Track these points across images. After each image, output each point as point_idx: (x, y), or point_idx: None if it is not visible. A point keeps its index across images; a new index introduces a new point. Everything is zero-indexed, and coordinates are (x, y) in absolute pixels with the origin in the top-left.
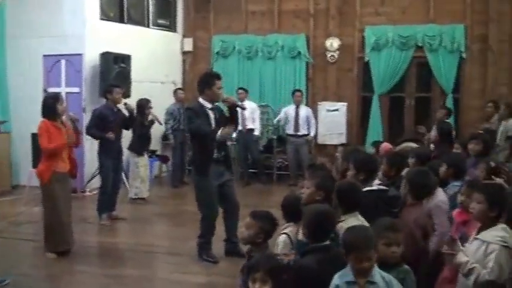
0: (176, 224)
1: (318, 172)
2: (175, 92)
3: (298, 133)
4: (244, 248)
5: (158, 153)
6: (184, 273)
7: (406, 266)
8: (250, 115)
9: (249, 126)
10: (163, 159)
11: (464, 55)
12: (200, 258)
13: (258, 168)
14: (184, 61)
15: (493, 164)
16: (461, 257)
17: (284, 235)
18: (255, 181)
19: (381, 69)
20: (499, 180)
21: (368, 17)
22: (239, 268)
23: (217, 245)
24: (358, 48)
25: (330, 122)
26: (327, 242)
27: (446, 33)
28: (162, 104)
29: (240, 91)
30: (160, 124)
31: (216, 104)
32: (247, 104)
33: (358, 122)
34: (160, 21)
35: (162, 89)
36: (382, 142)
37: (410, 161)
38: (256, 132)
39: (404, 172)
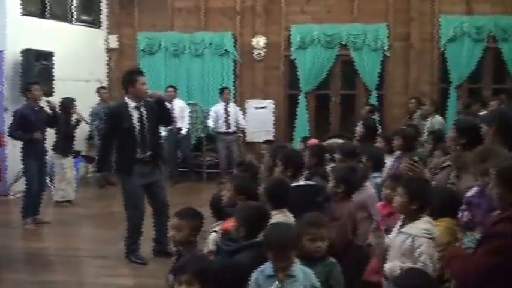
0: (103, 226)
1: (239, 174)
2: (98, 91)
3: (230, 130)
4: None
5: (83, 153)
6: (112, 276)
7: (331, 259)
8: (180, 113)
9: (179, 124)
10: (89, 159)
11: (387, 53)
12: (128, 260)
13: (189, 167)
14: (109, 58)
15: (415, 158)
16: (389, 266)
17: (214, 233)
18: (184, 180)
19: (307, 67)
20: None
21: (294, 16)
22: (169, 269)
23: (146, 246)
24: (284, 46)
25: (258, 120)
26: (259, 239)
27: (370, 32)
28: (87, 103)
29: (170, 89)
30: (87, 123)
31: (148, 100)
32: (177, 102)
33: (286, 119)
34: (84, 17)
35: (86, 87)
36: (310, 138)
37: (336, 156)
38: (183, 131)
39: (330, 167)
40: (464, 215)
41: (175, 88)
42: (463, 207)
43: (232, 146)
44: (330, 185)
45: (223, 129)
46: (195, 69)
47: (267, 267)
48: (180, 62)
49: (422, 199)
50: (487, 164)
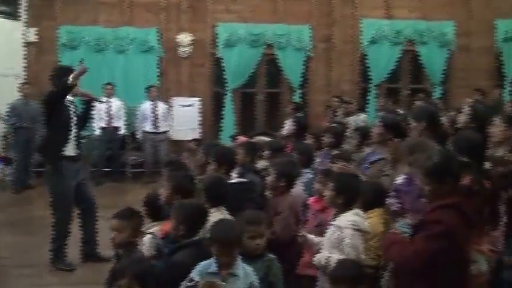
0: (25, 232)
1: (175, 173)
2: (20, 86)
3: (157, 130)
4: (104, 251)
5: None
6: (38, 286)
7: (270, 255)
8: (117, 112)
9: (115, 124)
10: (5, 160)
11: (310, 53)
12: (54, 267)
13: (114, 167)
14: (28, 52)
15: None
16: (317, 256)
17: (149, 235)
18: (108, 180)
19: (233, 65)
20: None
21: (220, 14)
22: (99, 274)
23: (73, 250)
24: (210, 44)
25: (184, 117)
26: (198, 237)
27: (294, 32)
28: (3, 99)
29: (108, 86)
30: (3, 121)
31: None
32: (115, 100)
33: (212, 117)
34: (1, 8)
35: (2, 82)
36: (239, 136)
37: (265, 153)
38: (122, 131)
39: (261, 164)
40: (392, 203)
41: (113, 86)
42: (392, 194)
43: (160, 145)
44: (270, 179)
45: (149, 128)
46: (119, 66)
47: (211, 264)
48: (103, 58)
49: (349, 193)
50: (416, 155)
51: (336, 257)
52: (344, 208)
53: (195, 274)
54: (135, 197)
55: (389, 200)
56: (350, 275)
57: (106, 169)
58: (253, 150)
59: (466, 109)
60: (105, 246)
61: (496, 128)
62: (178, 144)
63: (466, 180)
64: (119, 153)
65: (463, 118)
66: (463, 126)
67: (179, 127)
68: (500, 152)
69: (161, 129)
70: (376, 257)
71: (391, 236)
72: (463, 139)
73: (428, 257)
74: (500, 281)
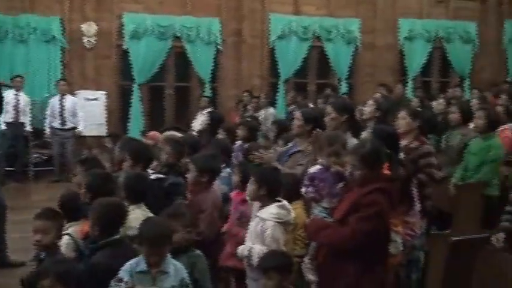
0: None
1: (89, 171)
2: None
3: (65, 127)
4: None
5: None
6: None
7: (196, 251)
8: (24, 107)
9: (21, 119)
10: None
11: (220, 47)
12: None
13: (18, 165)
14: None
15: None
16: (240, 248)
17: (66, 236)
18: (9, 180)
19: (140, 58)
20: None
21: (126, 4)
22: (6, 281)
23: None
24: (116, 35)
25: (89, 112)
26: (118, 236)
27: (203, 25)
28: None
29: (18, 79)
30: None
31: None
32: (23, 94)
33: (119, 111)
34: None
35: None
36: (149, 131)
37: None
38: (28, 127)
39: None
40: (309, 190)
41: (23, 78)
42: (306, 182)
43: (67, 142)
44: (192, 175)
45: (57, 124)
46: (19, 56)
47: (140, 263)
48: (1, 48)
49: (270, 185)
50: (334, 146)
51: (258, 248)
52: (267, 200)
53: (123, 274)
54: (40, 197)
55: (304, 189)
56: (280, 265)
57: (8, 168)
58: (180, 148)
59: (370, 102)
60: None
61: (402, 120)
62: (83, 141)
63: (385, 168)
64: (24, 151)
65: (367, 109)
66: (369, 117)
67: (85, 122)
68: (405, 141)
69: (69, 126)
70: (305, 246)
71: (317, 221)
72: (382, 131)
73: (363, 237)
74: (408, 260)
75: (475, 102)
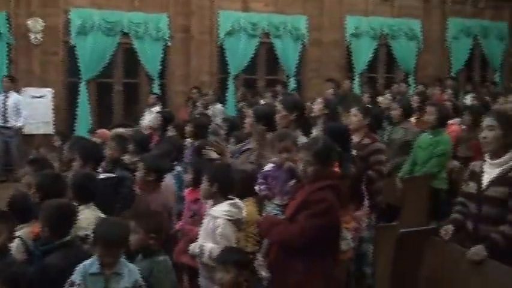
0: None
1: (39, 172)
2: None
3: (7, 124)
4: None
5: None
6: None
7: (160, 257)
8: (15, 109)
9: (12, 122)
10: None
11: (168, 43)
12: None
13: None
14: None
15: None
16: (192, 245)
17: (17, 239)
18: None
19: (88, 54)
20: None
21: None
22: None
23: None
24: (63, 31)
25: (36, 110)
26: (69, 237)
27: (151, 21)
28: None
29: (5, 79)
30: None
31: None
32: (13, 95)
33: (66, 109)
34: None
35: None
36: (97, 129)
37: (130, 147)
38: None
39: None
40: (262, 188)
41: (12, 78)
42: (260, 181)
43: (11, 141)
44: (139, 174)
45: (0, 122)
46: None
47: (93, 264)
48: None
49: (221, 182)
50: (285, 143)
51: (209, 245)
52: (219, 198)
53: (76, 276)
54: None
55: (257, 187)
56: (238, 260)
57: None
58: (125, 144)
59: (319, 99)
60: None
61: (354, 116)
62: (30, 139)
63: (336, 165)
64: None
65: (316, 107)
66: (318, 115)
67: (31, 120)
68: (356, 138)
69: (11, 124)
70: (257, 243)
71: (269, 218)
72: (335, 128)
73: (313, 234)
74: (359, 253)
75: (415, 99)
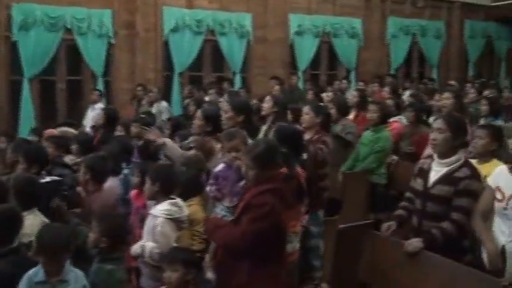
0: None
1: None
2: None
3: None
4: None
5: None
6: None
7: (108, 266)
8: None
9: None
10: None
11: (112, 40)
12: None
13: None
14: None
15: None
16: (134, 246)
17: None
18: None
19: (30, 50)
20: None
21: None
22: None
23: None
24: (4, 26)
25: None
26: (16, 244)
27: (94, 17)
28: None
29: None
30: None
31: None
32: None
33: (8, 107)
34: None
35: None
36: (41, 128)
37: (73, 147)
38: None
39: (69, 159)
40: (212, 189)
41: None
42: (211, 181)
43: None
44: (81, 174)
45: None
46: None
47: (38, 273)
48: None
49: (162, 181)
50: (234, 142)
51: (150, 245)
52: (161, 197)
53: (22, 286)
54: None
55: (208, 187)
56: (186, 258)
57: None
58: (64, 144)
59: (268, 97)
60: None
61: (306, 115)
62: None
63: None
64: None
65: (265, 105)
66: (267, 113)
67: None
68: (308, 136)
69: None
70: (202, 241)
71: (214, 220)
72: (284, 130)
73: (254, 238)
74: (308, 248)
75: (354, 95)
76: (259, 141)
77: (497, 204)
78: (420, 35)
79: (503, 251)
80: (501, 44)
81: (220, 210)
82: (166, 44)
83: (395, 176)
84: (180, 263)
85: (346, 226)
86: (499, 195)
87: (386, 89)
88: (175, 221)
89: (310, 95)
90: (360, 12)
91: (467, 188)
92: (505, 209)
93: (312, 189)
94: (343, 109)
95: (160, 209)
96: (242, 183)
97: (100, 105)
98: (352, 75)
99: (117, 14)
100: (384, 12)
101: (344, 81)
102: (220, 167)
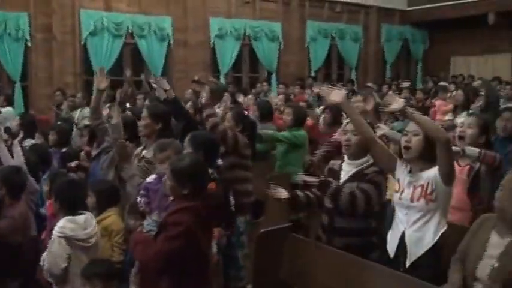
0: None
1: None
2: None
3: None
4: None
5: None
6: None
7: None
8: None
9: None
10: None
11: (29, 43)
12: None
13: None
14: None
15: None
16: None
17: None
18: None
19: None
20: None
21: None
22: None
23: None
24: None
25: None
26: None
27: (11, 20)
28: None
29: None
30: None
31: None
32: None
33: None
34: None
35: None
36: None
37: None
38: None
39: None
40: (141, 202)
41: None
42: (141, 192)
43: None
44: None
45: None
46: None
47: None
48: None
49: (62, 198)
50: (167, 152)
51: (45, 262)
52: (62, 214)
53: None
54: None
55: (138, 199)
56: (102, 272)
57: None
58: None
59: (188, 104)
60: None
61: (228, 123)
62: None
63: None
64: None
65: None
66: None
67: None
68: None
69: None
70: (122, 252)
71: (137, 236)
72: (198, 137)
73: (168, 257)
74: (228, 257)
75: (280, 98)
76: (185, 156)
77: (395, 195)
78: (338, 38)
79: (402, 237)
80: (417, 47)
81: (147, 225)
82: (85, 48)
83: (312, 175)
84: (97, 278)
85: (265, 230)
86: (397, 187)
87: (308, 91)
88: (68, 239)
89: (225, 97)
90: (279, 16)
91: (371, 179)
92: (400, 198)
93: (228, 195)
94: (266, 112)
95: (57, 226)
96: (171, 198)
97: (9, 109)
98: (273, 78)
99: (34, 17)
100: (303, 16)
101: (265, 83)
102: (151, 178)
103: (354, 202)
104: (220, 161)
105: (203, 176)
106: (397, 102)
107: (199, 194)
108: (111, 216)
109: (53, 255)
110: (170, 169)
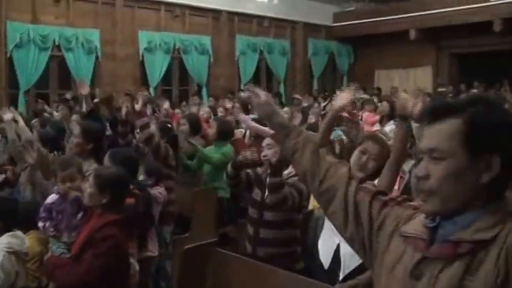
0: None
1: None
2: None
3: None
4: None
5: None
6: None
7: None
8: None
9: None
10: None
11: None
12: None
13: None
14: None
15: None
16: None
17: None
18: None
19: None
20: None
21: None
22: None
23: None
24: None
25: None
26: None
27: None
28: None
29: None
30: None
31: None
32: None
33: None
34: None
35: None
36: None
37: None
38: None
39: None
40: (47, 226)
41: None
42: (43, 215)
43: None
44: None
45: None
46: None
47: None
48: None
49: (1, 217)
50: (69, 171)
51: None
52: (1, 232)
53: None
54: None
55: (41, 223)
56: None
57: None
58: None
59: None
60: None
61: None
62: None
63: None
64: None
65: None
66: None
67: None
68: None
69: None
70: (36, 279)
71: (52, 259)
72: (118, 154)
73: (100, 273)
74: (157, 270)
75: (206, 111)
76: (111, 167)
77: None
78: (267, 52)
79: (337, 250)
80: (343, 61)
81: (56, 248)
82: (10, 60)
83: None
84: None
85: (190, 247)
86: None
87: (237, 105)
88: (16, 254)
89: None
90: (209, 30)
91: (294, 184)
92: None
93: (149, 211)
94: (195, 126)
95: (2, 243)
96: (80, 215)
97: None
98: (204, 91)
99: None
100: (232, 30)
101: (195, 97)
102: (51, 198)
103: (287, 196)
104: (141, 177)
105: (123, 188)
106: (342, 98)
107: (116, 205)
108: (31, 240)
109: (6, 272)
110: (94, 175)
